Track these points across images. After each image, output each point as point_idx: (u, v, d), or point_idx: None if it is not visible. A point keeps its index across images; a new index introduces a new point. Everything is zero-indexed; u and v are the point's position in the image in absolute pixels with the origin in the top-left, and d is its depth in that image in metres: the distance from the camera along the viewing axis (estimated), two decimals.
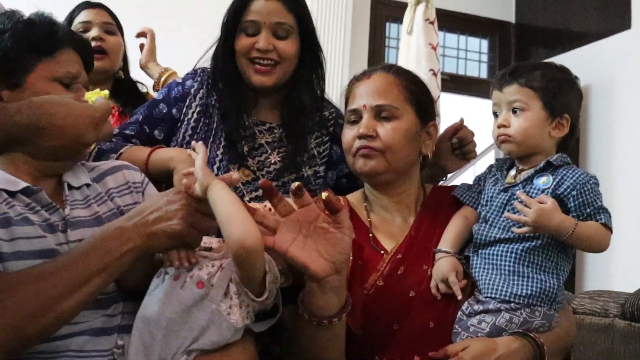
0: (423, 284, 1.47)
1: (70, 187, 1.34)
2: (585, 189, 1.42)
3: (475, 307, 1.43)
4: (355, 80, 1.63)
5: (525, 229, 1.39)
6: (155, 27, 2.56)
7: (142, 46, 2.51)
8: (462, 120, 1.73)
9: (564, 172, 1.45)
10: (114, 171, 1.44)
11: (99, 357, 1.21)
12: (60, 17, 2.14)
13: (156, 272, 1.28)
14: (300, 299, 1.30)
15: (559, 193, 1.43)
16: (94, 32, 2.29)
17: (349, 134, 1.57)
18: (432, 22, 3.82)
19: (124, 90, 2.38)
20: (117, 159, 1.64)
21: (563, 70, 1.54)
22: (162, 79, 2.36)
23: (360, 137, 1.53)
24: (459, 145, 1.72)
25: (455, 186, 1.63)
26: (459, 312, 1.45)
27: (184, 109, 1.78)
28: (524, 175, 1.50)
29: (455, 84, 4.69)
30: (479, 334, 1.40)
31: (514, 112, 1.50)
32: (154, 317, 1.20)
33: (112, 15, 2.42)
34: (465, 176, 3.91)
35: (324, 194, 1.21)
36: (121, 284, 1.27)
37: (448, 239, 1.49)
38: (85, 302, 1.14)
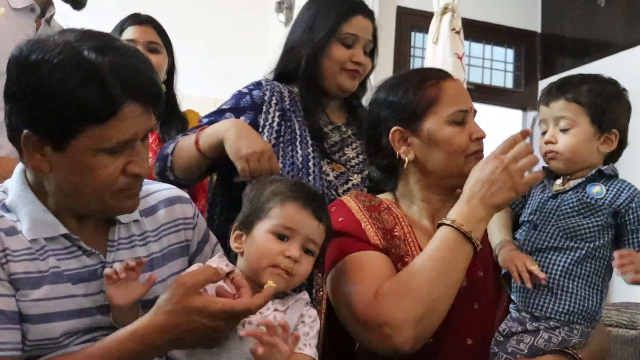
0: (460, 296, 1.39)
1: (119, 223, 1.26)
2: None
3: (514, 329, 1.38)
4: (439, 79, 1.55)
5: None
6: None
7: None
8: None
9: (619, 184, 1.41)
10: (170, 203, 1.36)
11: None
12: (108, 28, 2.19)
13: None
14: None
15: (617, 205, 1.39)
16: None
17: (460, 135, 1.50)
18: (458, 32, 3.81)
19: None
20: (174, 147, 1.77)
21: (611, 83, 1.50)
22: None
23: (479, 139, 1.51)
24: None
25: None
26: (496, 333, 1.40)
27: (263, 115, 1.85)
28: (573, 182, 1.46)
29: (481, 93, 4.66)
30: (518, 355, 1.36)
31: (562, 128, 1.46)
32: None
33: (159, 30, 2.45)
34: None
35: None
36: None
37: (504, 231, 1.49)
38: None
